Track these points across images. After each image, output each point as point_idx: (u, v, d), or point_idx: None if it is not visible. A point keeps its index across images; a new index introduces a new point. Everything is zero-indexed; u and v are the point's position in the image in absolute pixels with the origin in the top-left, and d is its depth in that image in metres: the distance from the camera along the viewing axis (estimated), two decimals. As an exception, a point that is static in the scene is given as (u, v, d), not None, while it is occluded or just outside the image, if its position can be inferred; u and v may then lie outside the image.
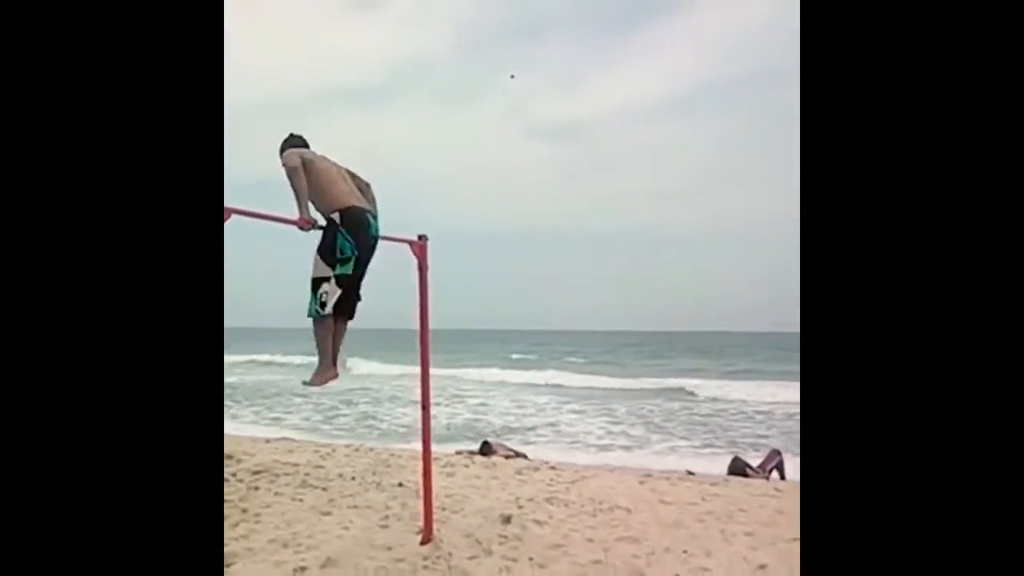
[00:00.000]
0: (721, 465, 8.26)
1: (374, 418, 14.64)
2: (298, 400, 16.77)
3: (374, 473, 6.28)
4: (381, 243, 3.93)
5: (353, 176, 3.95)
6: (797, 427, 1.51)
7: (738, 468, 7.84)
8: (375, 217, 3.84)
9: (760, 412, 15.55)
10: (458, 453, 8.31)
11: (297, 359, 28.59)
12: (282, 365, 29.85)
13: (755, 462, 8.15)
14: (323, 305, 3.61)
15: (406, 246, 4.21)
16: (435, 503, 4.45)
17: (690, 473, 7.84)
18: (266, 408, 16.01)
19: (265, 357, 33.63)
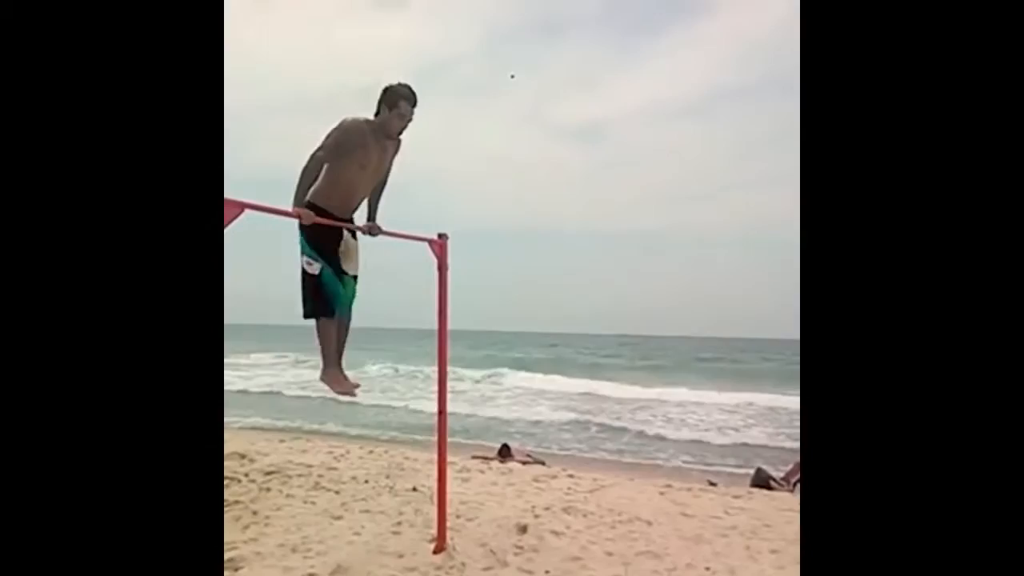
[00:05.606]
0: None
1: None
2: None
3: (388, 476, 6.16)
4: (400, 243, 3.81)
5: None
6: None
7: (762, 480, 7.57)
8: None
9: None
10: (475, 457, 8.18)
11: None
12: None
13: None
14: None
15: (422, 245, 4.09)
16: (449, 510, 4.32)
17: (712, 484, 7.62)
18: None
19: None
